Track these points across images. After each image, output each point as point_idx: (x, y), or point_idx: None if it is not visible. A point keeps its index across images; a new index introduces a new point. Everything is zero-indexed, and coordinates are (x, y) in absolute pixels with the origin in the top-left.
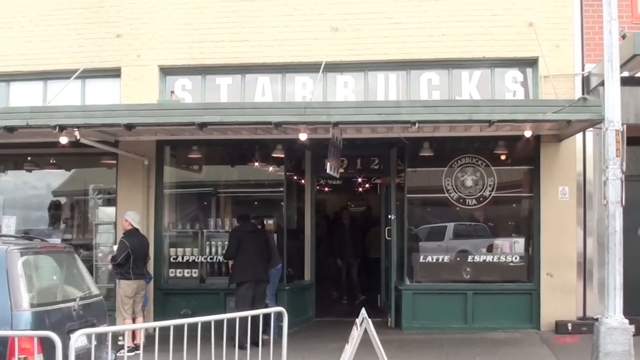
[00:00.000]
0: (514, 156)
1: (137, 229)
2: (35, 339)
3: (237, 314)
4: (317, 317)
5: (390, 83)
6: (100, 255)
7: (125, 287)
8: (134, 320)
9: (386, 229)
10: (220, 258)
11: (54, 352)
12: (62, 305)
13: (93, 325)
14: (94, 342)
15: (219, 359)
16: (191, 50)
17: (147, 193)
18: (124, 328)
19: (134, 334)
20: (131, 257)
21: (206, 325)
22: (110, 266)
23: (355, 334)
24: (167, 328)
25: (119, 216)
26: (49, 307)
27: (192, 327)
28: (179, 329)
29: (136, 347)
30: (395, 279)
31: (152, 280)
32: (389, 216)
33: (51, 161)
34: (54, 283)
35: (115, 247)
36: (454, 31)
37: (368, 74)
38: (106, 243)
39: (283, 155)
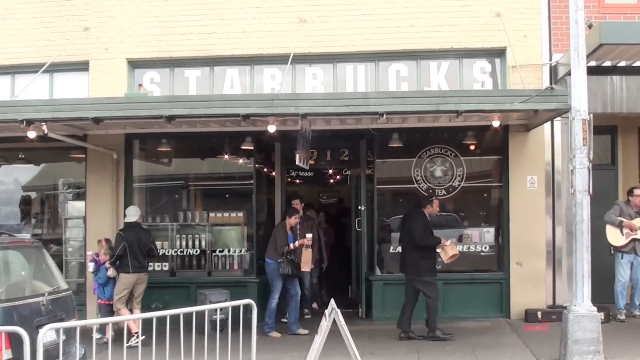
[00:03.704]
0: (482, 146)
1: (137, 223)
2: (3, 335)
3: (206, 307)
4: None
5: (358, 74)
6: (70, 250)
7: (124, 280)
8: (131, 312)
9: (356, 220)
10: (191, 251)
11: (22, 347)
12: (30, 300)
13: (62, 320)
14: (62, 337)
15: (189, 351)
16: (159, 43)
17: (116, 187)
18: (91, 322)
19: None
20: (127, 250)
21: (177, 318)
22: (110, 272)
23: (324, 325)
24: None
25: (88, 210)
26: (17, 302)
27: (162, 321)
28: (149, 322)
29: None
30: (366, 270)
31: None
32: (359, 207)
33: (20, 156)
34: (23, 278)
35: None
36: (422, 22)
37: (337, 65)
38: (76, 238)
39: (252, 148)
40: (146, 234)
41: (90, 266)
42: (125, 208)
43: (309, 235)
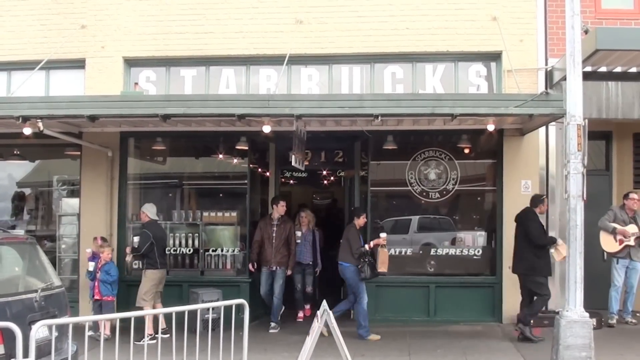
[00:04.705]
0: (477, 150)
1: (156, 220)
2: None
3: (199, 306)
4: None
5: (354, 76)
6: (63, 246)
7: (152, 276)
8: (154, 308)
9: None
10: (184, 250)
11: (14, 343)
12: (23, 297)
13: (54, 317)
14: (54, 333)
15: (180, 350)
16: (155, 42)
17: (110, 184)
18: (84, 319)
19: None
20: (155, 247)
21: (169, 317)
22: (129, 258)
23: (316, 326)
24: (129, 319)
25: (82, 207)
26: (9, 298)
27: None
28: (141, 320)
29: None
30: None
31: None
32: (353, 209)
33: (15, 152)
34: (16, 274)
35: (135, 240)
36: (418, 25)
37: (332, 66)
38: (70, 235)
39: (247, 148)
40: (164, 231)
41: (91, 265)
42: (119, 206)
43: (384, 235)
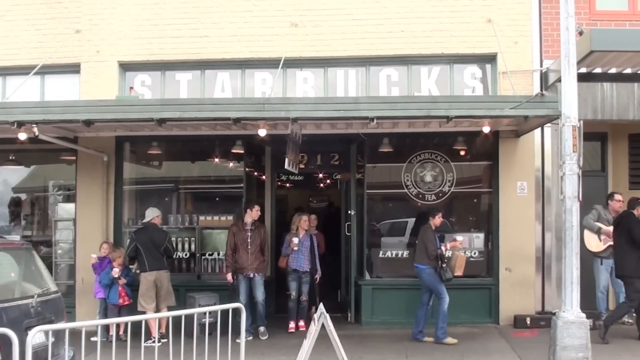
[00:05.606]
0: (473, 152)
1: (152, 224)
2: None
3: (195, 310)
4: (277, 314)
5: (349, 79)
6: (59, 252)
7: (143, 279)
8: (158, 311)
9: (346, 224)
10: (180, 254)
11: (11, 349)
12: (19, 302)
13: (51, 322)
14: (51, 339)
15: (177, 354)
16: (150, 46)
17: (106, 189)
18: (80, 325)
19: (159, 323)
20: (142, 250)
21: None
22: (132, 264)
23: (313, 330)
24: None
25: (78, 212)
26: (6, 304)
27: None
28: (137, 324)
29: (162, 336)
30: (355, 274)
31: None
32: (349, 212)
33: (10, 157)
34: (12, 280)
35: None
36: (413, 27)
37: (328, 69)
38: (66, 240)
39: (243, 151)
40: (161, 233)
41: (116, 272)
42: (115, 210)
43: (460, 238)
